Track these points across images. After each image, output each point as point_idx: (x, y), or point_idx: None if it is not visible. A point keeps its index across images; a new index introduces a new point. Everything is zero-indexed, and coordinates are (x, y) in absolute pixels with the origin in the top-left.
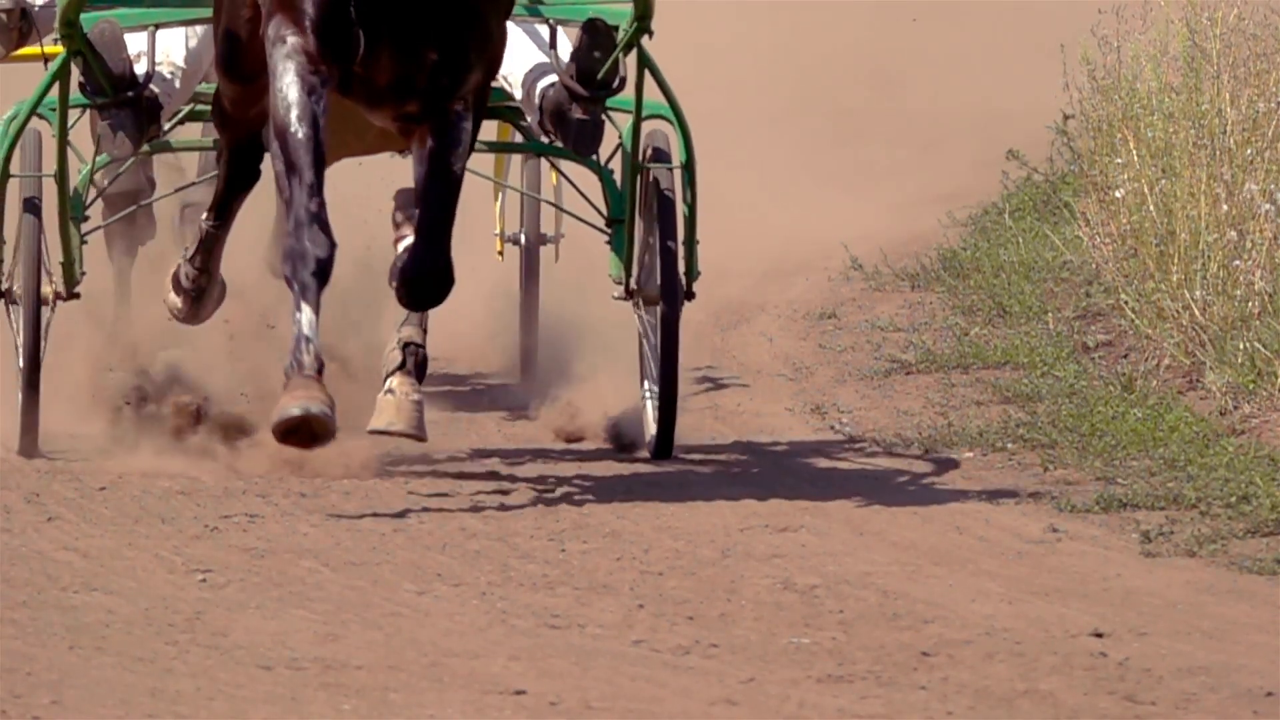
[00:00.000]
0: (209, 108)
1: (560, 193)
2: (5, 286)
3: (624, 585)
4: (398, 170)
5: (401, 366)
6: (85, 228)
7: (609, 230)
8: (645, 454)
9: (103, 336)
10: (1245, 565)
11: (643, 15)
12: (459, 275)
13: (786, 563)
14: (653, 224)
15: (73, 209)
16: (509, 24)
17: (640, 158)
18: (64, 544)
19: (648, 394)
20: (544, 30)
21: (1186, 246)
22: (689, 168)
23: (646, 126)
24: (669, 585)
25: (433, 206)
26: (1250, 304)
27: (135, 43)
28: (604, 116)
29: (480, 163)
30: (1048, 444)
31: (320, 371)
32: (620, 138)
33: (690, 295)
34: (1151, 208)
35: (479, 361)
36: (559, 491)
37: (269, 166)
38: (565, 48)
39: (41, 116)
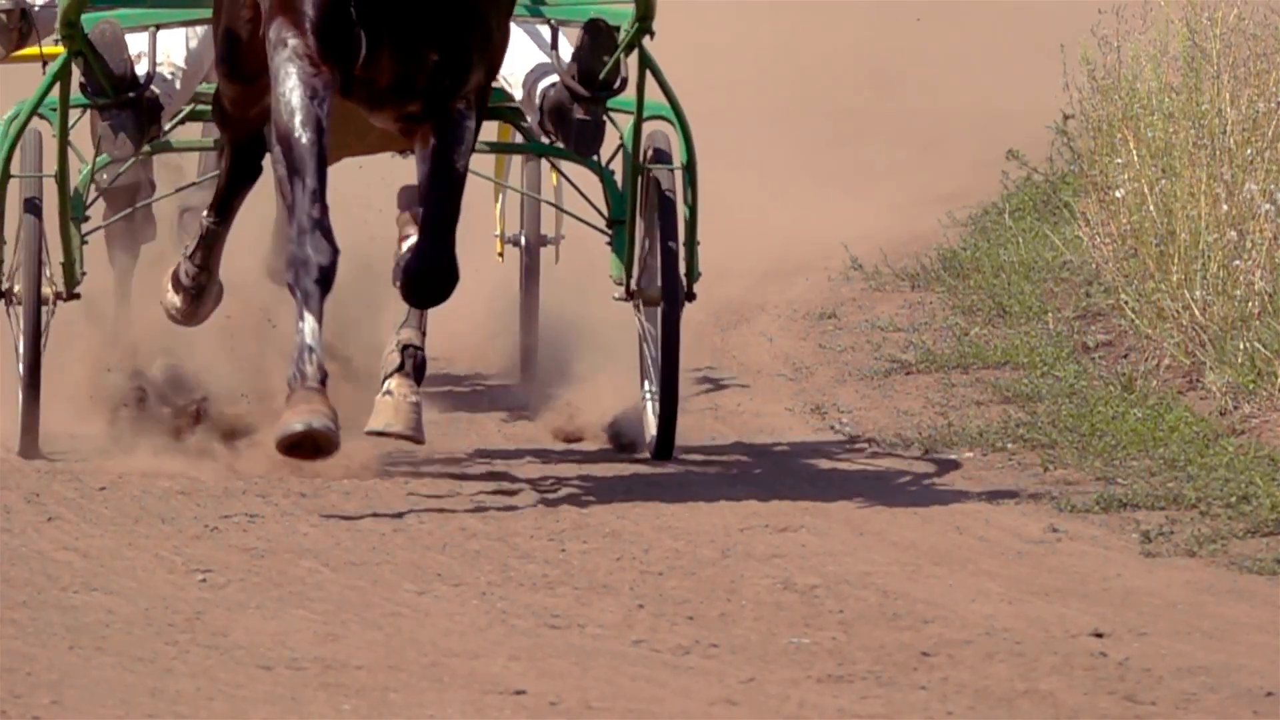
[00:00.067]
0: (209, 108)
1: (560, 194)
2: (6, 287)
3: (624, 585)
4: (399, 171)
5: (400, 369)
6: (85, 228)
7: (609, 231)
8: (645, 454)
9: (103, 337)
10: (1245, 565)
11: (644, 16)
12: (459, 276)
13: (786, 563)
14: (653, 225)
15: (73, 209)
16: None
17: (641, 158)
18: (64, 544)
19: (648, 395)
20: (545, 31)
21: (1186, 246)
22: (690, 169)
23: (647, 127)
24: (669, 585)
25: (437, 203)
26: (1250, 304)
27: (136, 43)
28: (605, 117)
29: (481, 163)
30: (1048, 444)
31: (323, 382)
32: (621, 138)
33: (691, 296)
34: (1151, 208)
35: (479, 362)
36: (559, 491)
37: (270, 163)
38: (566, 49)
39: (42, 116)
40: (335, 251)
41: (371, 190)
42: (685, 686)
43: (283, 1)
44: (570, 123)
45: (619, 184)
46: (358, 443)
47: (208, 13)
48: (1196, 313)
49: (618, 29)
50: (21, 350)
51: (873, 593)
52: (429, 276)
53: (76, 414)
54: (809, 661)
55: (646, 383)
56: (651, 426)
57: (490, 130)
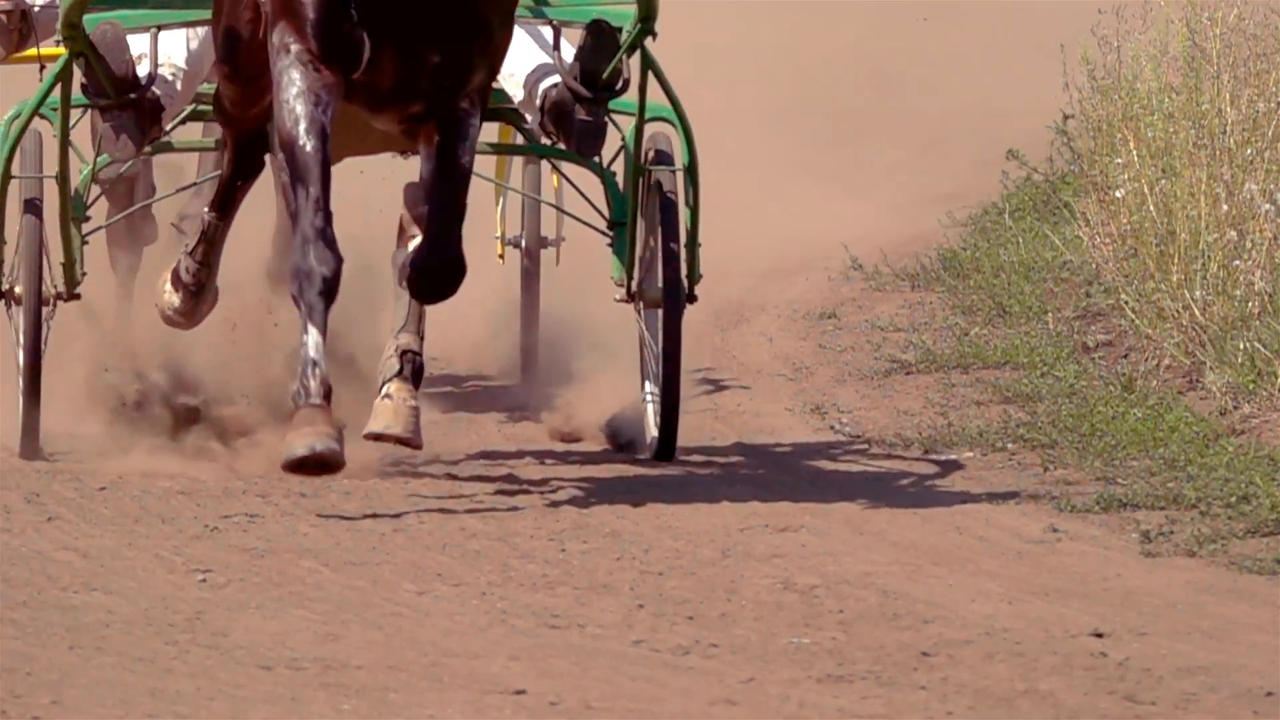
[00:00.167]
0: (210, 108)
1: (561, 195)
2: (6, 287)
3: (624, 585)
4: (400, 171)
5: (399, 373)
6: (86, 228)
7: (610, 233)
8: (644, 454)
9: (104, 337)
10: (1245, 565)
11: (646, 17)
12: (466, 269)
13: (786, 563)
14: (655, 226)
15: (74, 210)
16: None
17: (643, 160)
18: (64, 544)
19: (649, 396)
20: (547, 31)
21: (1186, 246)
22: (692, 170)
23: (649, 129)
24: (669, 585)
25: (442, 198)
26: (1250, 304)
27: (137, 44)
28: (607, 118)
29: (481, 165)
30: (1048, 444)
31: (328, 396)
32: (623, 140)
33: (692, 298)
34: (1151, 208)
35: (479, 363)
36: (559, 492)
37: (270, 161)
38: (568, 50)
39: (42, 117)
40: (339, 260)
41: (372, 190)
42: (685, 686)
43: (285, 6)
44: (572, 124)
45: (620, 185)
46: (358, 443)
47: (208, 14)
48: (1196, 313)
49: (620, 30)
50: (22, 351)
51: (873, 593)
52: (437, 270)
53: (77, 414)
54: (809, 661)
55: (647, 384)
56: (653, 428)
57: (491, 131)
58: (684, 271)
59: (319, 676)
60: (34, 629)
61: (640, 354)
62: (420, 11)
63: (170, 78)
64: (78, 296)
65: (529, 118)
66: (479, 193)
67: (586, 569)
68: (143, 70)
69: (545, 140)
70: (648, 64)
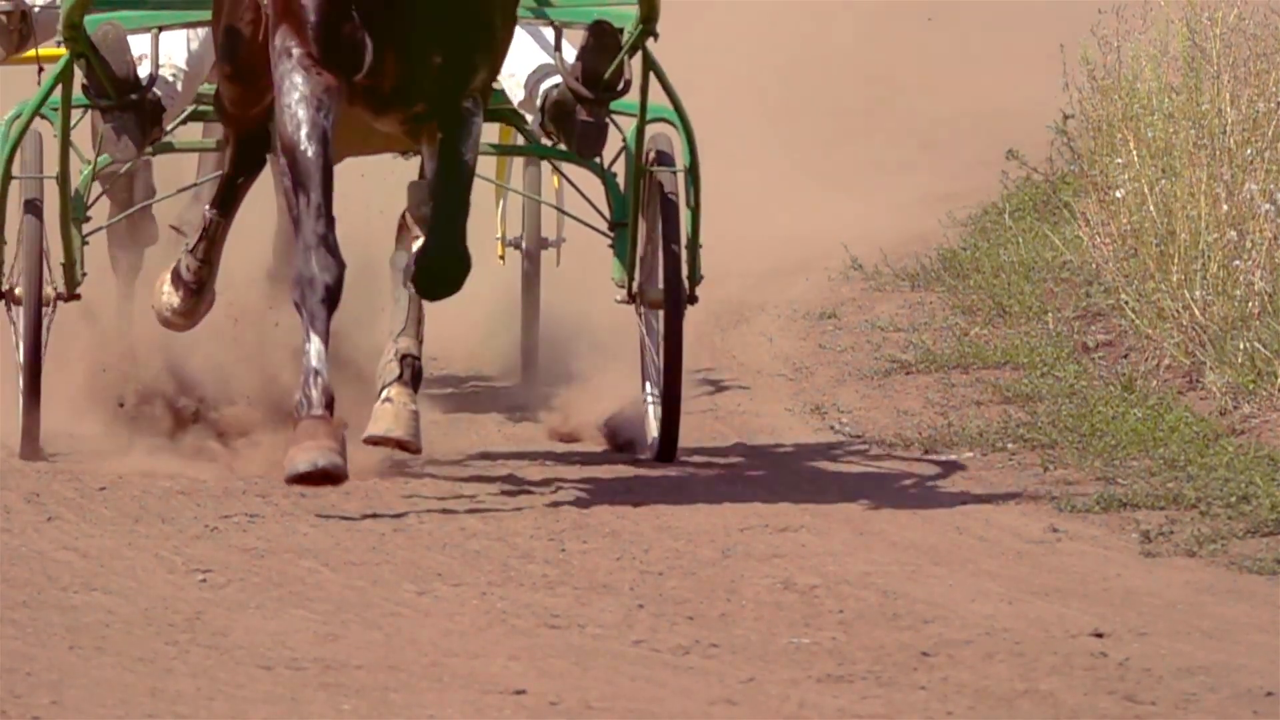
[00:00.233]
0: (211, 108)
1: (561, 196)
2: (6, 287)
3: (624, 585)
4: (401, 172)
5: (399, 378)
6: (86, 229)
7: (611, 234)
8: (644, 454)
9: (104, 337)
10: (1245, 565)
11: (648, 18)
12: (471, 264)
13: (786, 563)
14: (656, 228)
15: (74, 210)
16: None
17: (644, 161)
18: (64, 544)
19: (649, 397)
20: (548, 32)
21: (1186, 246)
22: (693, 171)
23: (650, 129)
24: (669, 585)
25: (447, 194)
26: (1250, 304)
27: (138, 45)
28: (608, 119)
29: (482, 166)
30: (1048, 444)
31: (330, 406)
32: (624, 141)
33: (693, 299)
34: (1151, 208)
35: (480, 363)
36: (559, 491)
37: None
38: (569, 51)
39: (43, 117)
40: (341, 267)
41: (373, 190)
42: (685, 686)
43: (287, 8)
44: (572, 124)
45: (621, 186)
46: (358, 444)
47: (209, 14)
48: (1196, 313)
49: (621, 31)
50: (22, 352)
51: (873, 593)
52: (443, 265)
53: (77, 414)
54: (809, 661)
55: (648, 385)
56: (653, 428)
57: (491, 132)
58: (685, 272)
59: (319, 676)
60: (34, 629)
61: (641, 355)
62: (423, 12)
63: (171, 79)
64: (78, 297)
65: (529, 118)
66: (479, 194)
67: (586, 569)
68: (143, 71)
69: (546, 141)
70: (649, 65)
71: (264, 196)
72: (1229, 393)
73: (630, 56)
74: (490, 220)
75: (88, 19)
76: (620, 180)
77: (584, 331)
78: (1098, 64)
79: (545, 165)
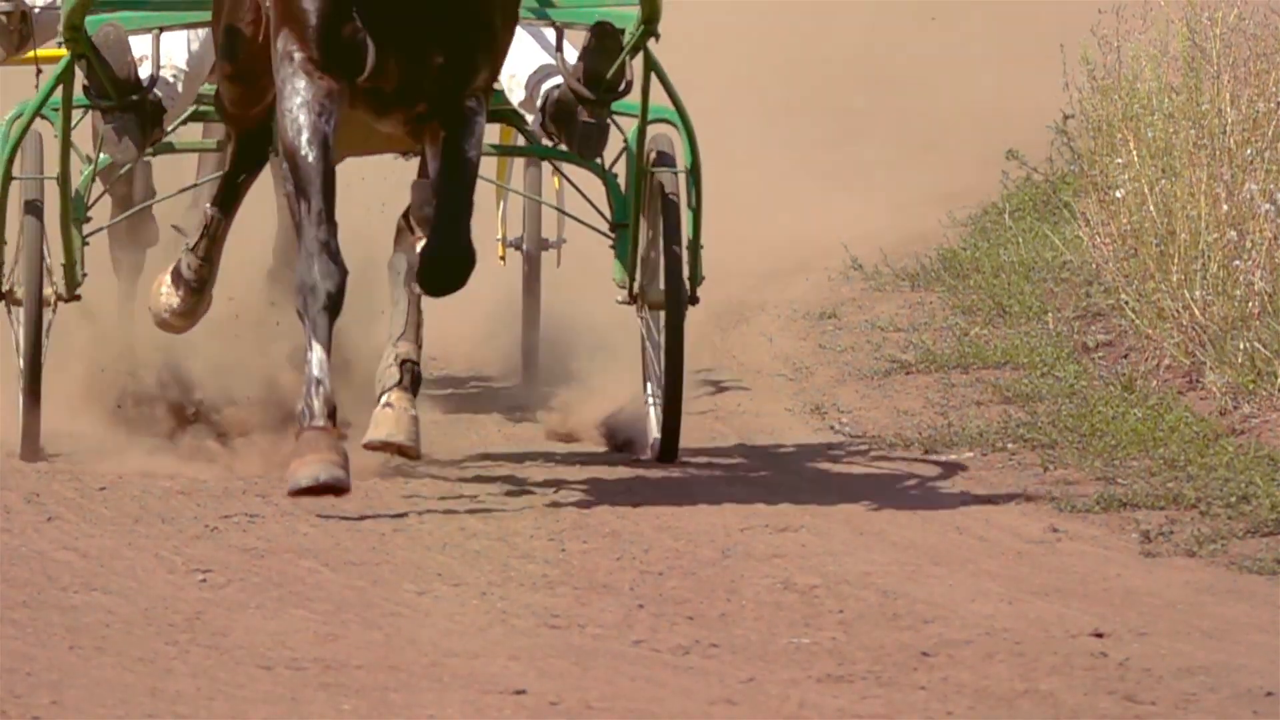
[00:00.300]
0: (211, 109)
1: (562, 197)
2: (6, 288)
3: (624, 585)
4: (402, 172)
5: (399, 383)
6: (86, 229)
7: (613, 235)
8: (643, 454)
9: (105, 337)
10: (1245, 565)
11: (650, 18)
12: (476, 260)
13: (786, 563)
14: (657, 228)
15: (74, 211)
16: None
17: (645, 161)
18: (64, 544)
19: (651, 398)
20: (550, 33)
21: (1186, 246)
22: (694, 172)
23: (651, 130)
24: (669, 585)
25: (451, 191)
26: (1250, 304)
27: (138, 46)
28: (609, 120)
29: (483, 166)
30: (1048, 444)
31: (332, 416)
32: (625, 141)
33: (694, 300)
34: (1151, 208)
35: (480, 363)
36: (559, 492)
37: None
38: (570, 53)
39: (43, 117)
40: (343, 273)
41: (373, 190)
42: (685, 686)
43: (288, 12)
44: (574, 125)
45: (622, 187)
46: (358, 446)
47: (210, 15)
48: (1196, 313)
49: (623, 32)
50: (22, 353)
51: (873, 593)
52: (447, 261)
53: (77, 414)
54: (809, 661)
55: (649, 385)
56: (655, 429)
57: (492, 133)
58: (686, 273)
59: (319, 676)
60: (34, 629)
61: (643, 356)
62: (424, 13)
63: (172, 80)
64: (78, 298)
65: (529, 118)
66: (480, 195)
67: (586, 569)
68: (144, 72)
69: (546, 142)
70: (651, 66)
71: (265, 197)
72: (1229, 393)
73: (632, 57)
74: (491, 221)
75: (89, 20)
76: (621, 181)
77: (584, 332)
78: (1098, 64)
79: (546, 166)
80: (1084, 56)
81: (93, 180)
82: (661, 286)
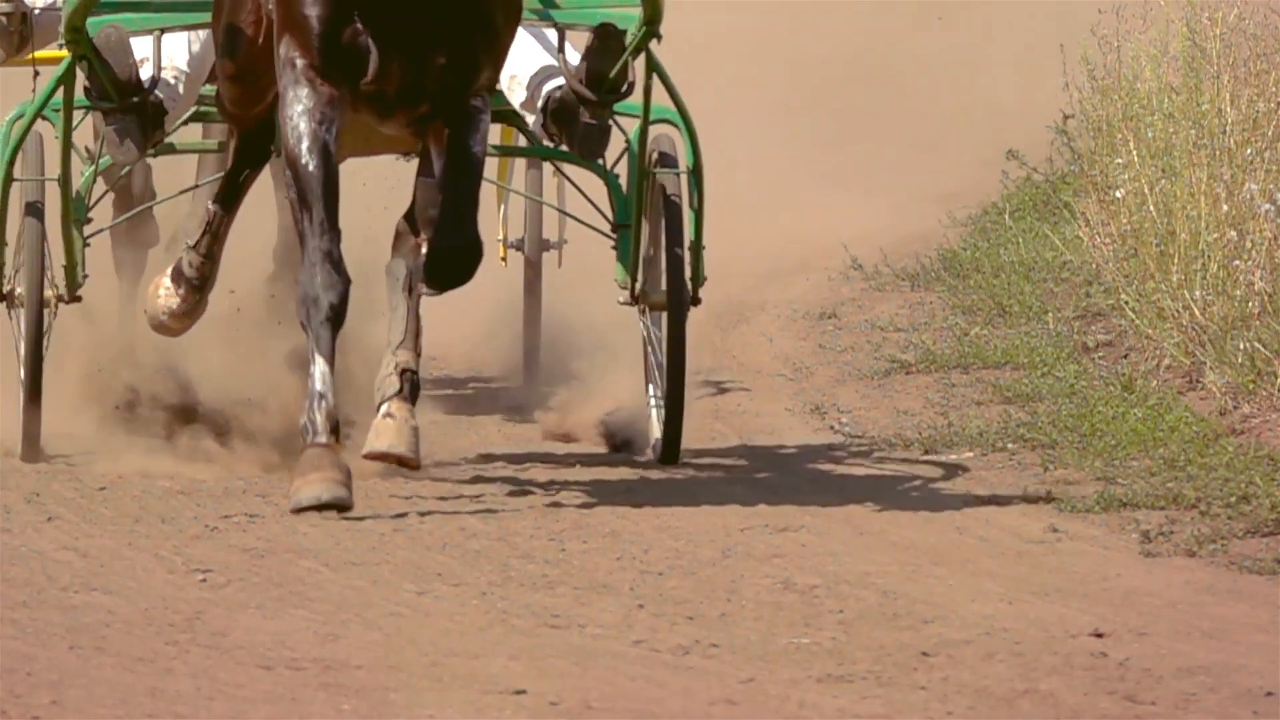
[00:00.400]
0: (212, 109)
1: (563, 198)
2: (7, 289)
3: (624, 585)
4: (401, 172)
5: (399, 392)
6: (87, 230)
7: (614, 236)
8: (642, 454)
9: (106, 338)
10: (1245, 565)
11: (651, 19)
12: (483, 253)
13: (786, 563)
14: (659, 229)
15: (75, 212)
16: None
17: (646, 162)
18: (64, 544)
19: (653, 399)
20: (552, 34)
21: (1186, 246)
22: (696, 172)
23: (653, 131)
24: (669, 585)
25: (456, 184)
26: (1250, 304)
27: (140, 47)
28: (611, 121)
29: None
30: (1048, 444)
31: (335, 432)
32: (627, 142)
33: (696, 301)
34: (1151, 208)
35: (481, 364)
36: (559, 491)
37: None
38: (572, 54)
39: (44, 118)
40: (346, 283)
41: (373, 191)
42: (685, 686)
43: (290, 18)
44: (575, 126)
45: (624, 188)
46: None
47: (210, 16)
48: (1196, 313)
49: (625, 33)
50: (23, 354)
51: (873, 593)
52: (454, 252)
53: (78, 415)
54: (809, 661)
55: (651, 386)
56: (656, 430)
57: (493, 134)
58: (688, 274)
59: (319, 676)
60: (34, 629)
61: (644, 357)
62: (427, 14)
63: (173, 81)
64: (79, 299)
65: (530, 119)
66: (481, 195)
67: (586, 569)
68: (145, 73)
69: (548, 142)
70: (652, 67)
71: (266, 196)
72: (1229, 393)
73: (634, 58)
74: (492, 222)
75: (90, 21)
76: (623, 182)
77: (585, 333)
78: (1098, 64)
79: (547, 167)
80: (1084, 56)
81: (94, 181)
82: (663, 288)
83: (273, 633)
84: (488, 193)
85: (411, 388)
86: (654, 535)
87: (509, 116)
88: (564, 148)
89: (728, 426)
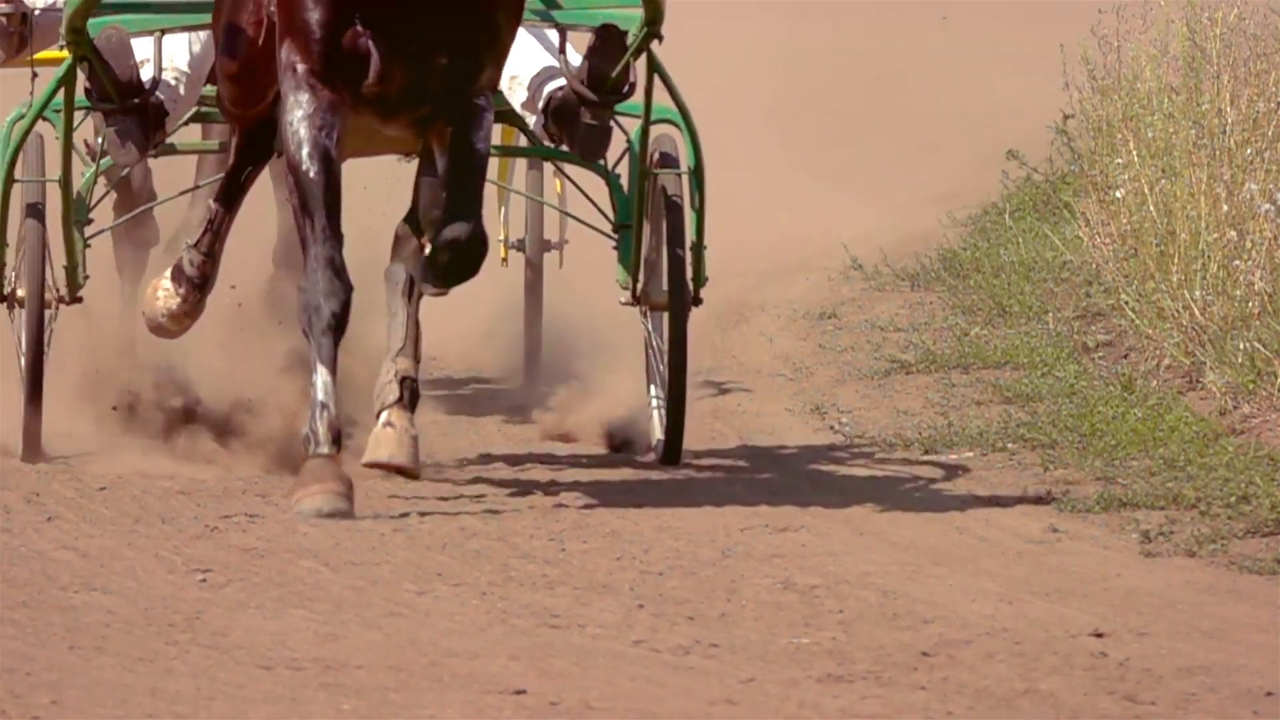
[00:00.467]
0: (213, 109)
1: (564, 198)
2: (8, 290)
3: (624, 585)
4: (402, 173)
5: (399, 400)
6: (88, 231)
7: (615, 236)
8: (642, 454)
9: (107, 338)
10: (1245, 565)
11: (653, 20)
12: (489, 246)
13: (786, 563)
14: (660, 230)
15: (76, 213)
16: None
17: (648, 163)
18: (64, 544)
19: (654, 400)
20: (553, 35)
21: (1186, 246)
22: (698, 173)
23: (654, 131)
24: (669, 585)
25: (460, 179)
26: (1250, 304)
27: (140, 49)
28: (612, 121)
29: None
30: (1048, 444)
31: (337, 442)
32: (628, 142)
33: (698, 301)
34: (1151, 208)
35: (481, 364)
36: (559, 492)
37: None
38: (573, 55)
39: (45, 119)
40: (348, 290)
41: (373, 192)
42: (685, 686)
43: (292, 22)
44: (576, 126)
45: (625, 188)
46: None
47: (211, 17)
48: (1196, 313)
49: (626, 33)
50: (24, 355)
51: (873, 593)
52: (461, 245)
53: (78, 415)
54: (809, 661)
55: (652, 387)
56: (658, 431)
57: (494, 134)
58: (689, 274)
59: (319, 676)
60: (34, 629)
61: (645, 357)
62: (428, 16)
63: (174, 82)
64: (80, 300)
65: (532, 120)
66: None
67: (586, 569)
68: (146, 75)
69: (548, 143)
70: (654, 67)
71: (266, 196)
72: (1229, 393)
73: (635, 59)
74: (493, 223)
75: (91, 22)
76: (624, 182)
77: (586, 333)
78: (1098, 64)
79: (548, 167)
80: (1084, 56)
81: (95, 182)
82: (664, 288)
83: (273, 633)
84: (489, 193)
85: (411, 395)
86: (654, 535)
87: (510, 117)
88: (565, 148)
89: (728, 427)
